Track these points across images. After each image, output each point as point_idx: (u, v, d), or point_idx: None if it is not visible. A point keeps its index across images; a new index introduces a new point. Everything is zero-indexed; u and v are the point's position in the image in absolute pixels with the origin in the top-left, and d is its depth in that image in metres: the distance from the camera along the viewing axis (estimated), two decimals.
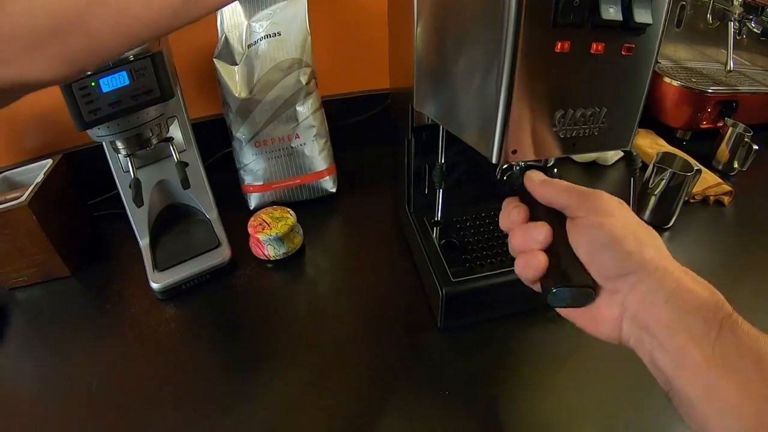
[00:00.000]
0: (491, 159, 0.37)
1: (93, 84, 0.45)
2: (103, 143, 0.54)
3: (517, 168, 0.46)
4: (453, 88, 0.40)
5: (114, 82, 0.47)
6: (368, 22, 0.76)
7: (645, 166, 0.72)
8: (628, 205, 0.47)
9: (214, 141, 0.71)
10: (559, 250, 0.31)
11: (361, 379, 0.47)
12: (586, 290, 0.29)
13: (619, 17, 0.32)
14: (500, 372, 0.47)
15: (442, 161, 0.49)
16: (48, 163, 0.62)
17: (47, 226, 0.57)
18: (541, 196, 0.34)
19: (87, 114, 0.46)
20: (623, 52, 0.35)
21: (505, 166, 0.48)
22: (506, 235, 0.55)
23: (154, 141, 0.53)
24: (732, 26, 0.81)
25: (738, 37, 0.87)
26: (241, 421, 0.43)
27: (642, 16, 0.33)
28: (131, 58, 0.47)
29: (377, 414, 0.43)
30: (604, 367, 0.47)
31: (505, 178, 0.49)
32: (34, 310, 0.58)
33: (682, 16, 0.88)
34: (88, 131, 0.48)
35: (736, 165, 0.80)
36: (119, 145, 0.52)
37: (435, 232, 0.54)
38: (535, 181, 0.35)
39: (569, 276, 0.29)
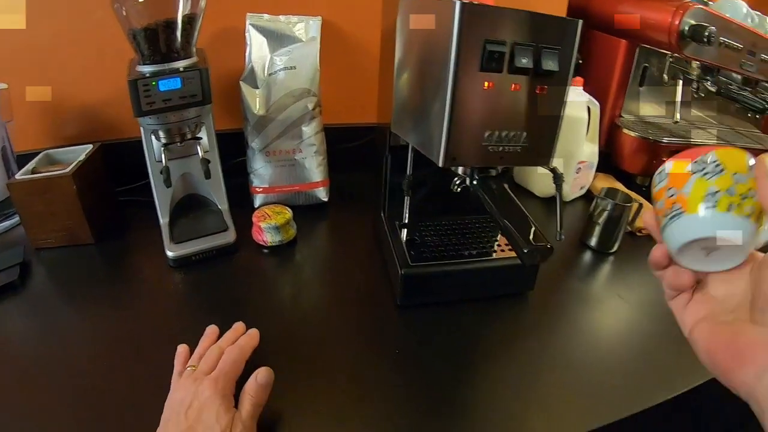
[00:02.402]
0: (438, 163, 0.49)
1: (154, 83, 0.57)
2: (142, 136, 0.66)
3: (472, 183, 0.57)
4: (417, 114, 0.53)
5: (169, 84, 0.58)
6: (367, 66, 0.91)
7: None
8: (556, 218, 0.58)
9: (232, 151, 0.84)
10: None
11: (326, 337, 0.57)
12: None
13: (530, 65, 0.44)
14: (445, 343, 0.57)
15: (410, 173, 0.61)
16: (89, 147, 0.74)
17: (83, 197, 0.67)
18: None
19: (144, 105, 0.58)
20: (537, 91, 0.47)
21: (458, 181, 0.60)
22: (462, 241, 0.66)
23: (189, 136, 0.67)
24: (681, 84, 0.95)
25: (696, 96, 1.00)
26: None
27: (548, 65, 0.45)
28: (183, 69, 0.59)
29: (338, 360, 0.53)
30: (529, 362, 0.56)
31: (459, 189, 0.61)
32: (56, 269, 0.66)
33: (645, 76, 1.02)
34: (139, 119, 0.60)
35: None
36: (161, 134, 0.64)
37: (402, 232, 0.65)
38: None
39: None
